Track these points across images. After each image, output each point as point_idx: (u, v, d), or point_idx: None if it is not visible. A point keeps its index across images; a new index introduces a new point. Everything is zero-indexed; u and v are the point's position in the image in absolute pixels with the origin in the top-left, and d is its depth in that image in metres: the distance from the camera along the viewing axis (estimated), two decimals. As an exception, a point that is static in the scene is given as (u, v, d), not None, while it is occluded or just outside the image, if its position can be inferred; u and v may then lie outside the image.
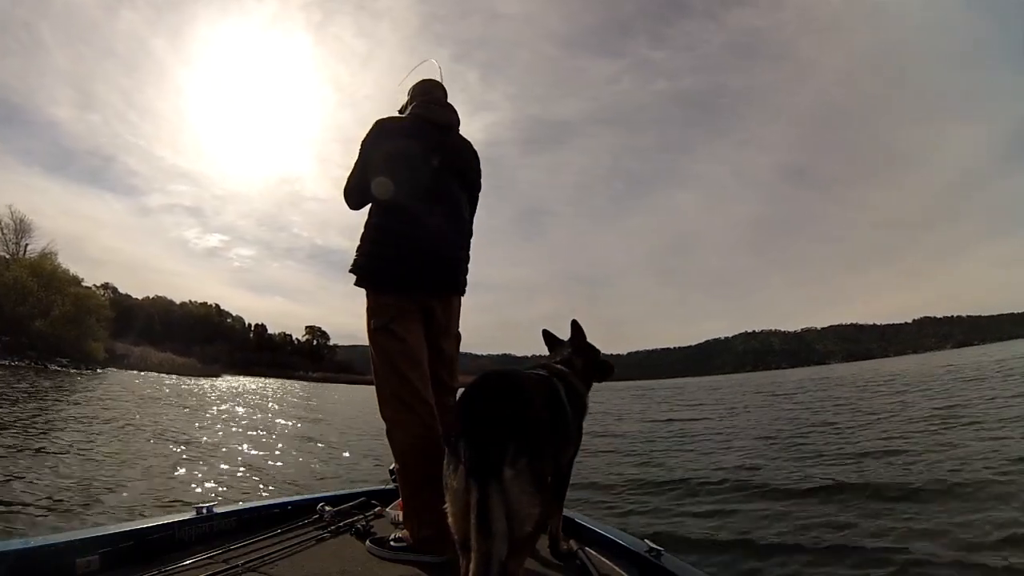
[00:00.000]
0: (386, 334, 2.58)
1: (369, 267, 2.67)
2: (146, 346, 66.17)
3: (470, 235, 2.97)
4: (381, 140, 2.73)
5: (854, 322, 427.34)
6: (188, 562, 2.15)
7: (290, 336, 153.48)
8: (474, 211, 3.02)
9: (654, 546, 2.41)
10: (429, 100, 2.91)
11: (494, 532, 1.49)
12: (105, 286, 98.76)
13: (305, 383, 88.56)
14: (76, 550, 2.07)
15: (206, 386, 40.51)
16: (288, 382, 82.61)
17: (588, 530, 2.80)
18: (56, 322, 43.87)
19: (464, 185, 2.90)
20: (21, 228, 50.88)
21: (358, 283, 2.68)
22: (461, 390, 2.40)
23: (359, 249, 2.71)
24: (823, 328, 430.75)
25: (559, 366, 2.40)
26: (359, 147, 2.77)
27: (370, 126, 2.77)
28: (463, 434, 1.67)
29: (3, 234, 49.73)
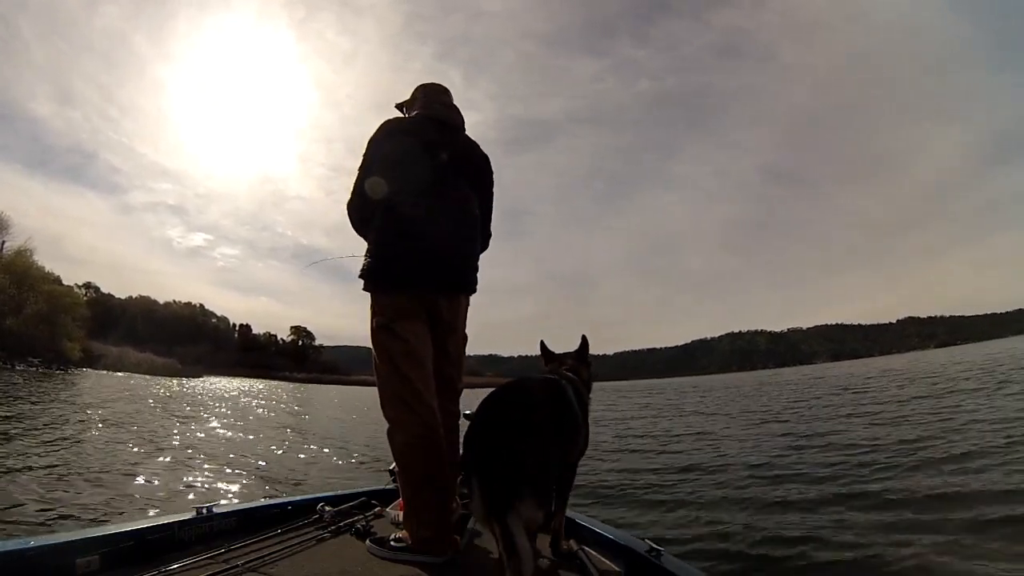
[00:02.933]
0: (388, 333, 2.55)
1: (374, 268, 2.61)
2: (126, 346, 65.35)
3: (483, 235, 2.95)
4: (384, 141, 2.69)
5: (839, 322, 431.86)
6: (188, 562, 2.14)
7: (275, 336, 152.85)
8: (489, 211, 2.99)
9: (654, 546, 2.41)
10: (435, 100, 2.90)
11: (520, 551, 1.69)
12: (87, 285, 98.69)
13: (290, 384, 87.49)
14: (76, 550, 2.07)
15: (175, 386, 39.56)
16: (272, 383, 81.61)
17: (588, 530, 2.79)
18: (28, 321, 42.92)
19: (473, 184, 2.85)
20: (-2, 224, 49.52)
21: (366, 287, 2.64)
22: (467, 412, 2.73)
23: (367, 253, 2.66)
24: (808, 328, 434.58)
25: (569, 373, 2.49)
26: (363, 152, 2.72)
27: (375, 129, 2.74)
28: (474, 473, 1.83)
29: (-21, 231, 48.19)
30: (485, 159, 2.95)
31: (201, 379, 64.47)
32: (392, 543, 2.45)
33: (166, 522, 2.45)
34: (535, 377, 2.33)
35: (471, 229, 2.83)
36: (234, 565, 2.12)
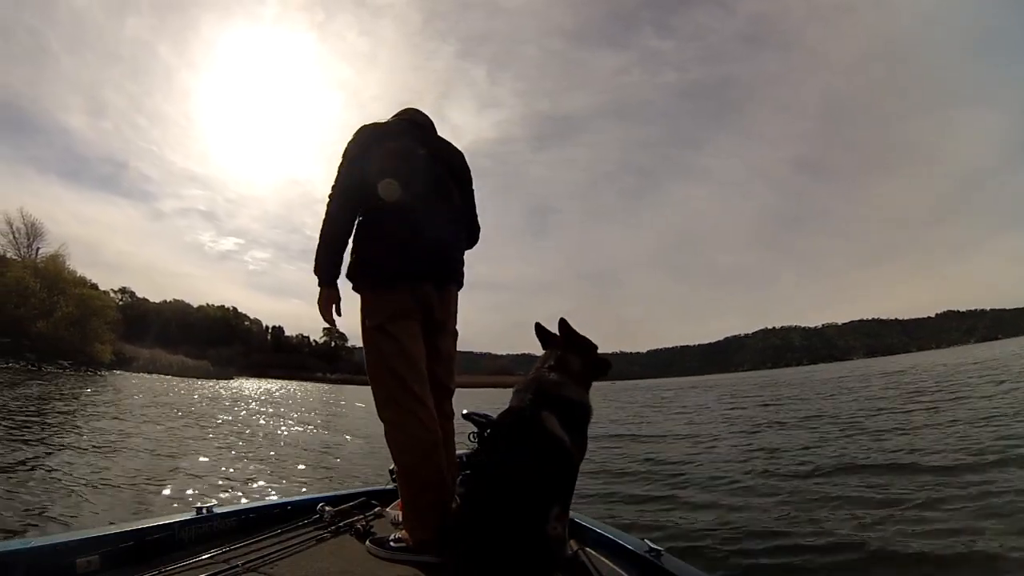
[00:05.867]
0: (381, 333, 2.53)
1: (363, 266, 2.61)
2: (159, 349, 66.24)
3: (470, 230, 2.98)
4: (370, 143, 2.68)
5: (876, 317, 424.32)
6: (188, 562, 2.15)
7: (307, 338, 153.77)
8: (473, 206, 3.00)
9: (654, 546, 2.38)
10: (409, 110, 2.94)
11: None
12: (123, 290, 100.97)
13: (322, 385, 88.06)
14: (76, 550, 2.08)
15: (203, 387, 40.01)
16: (304, 384, 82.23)
17: (588, 530, 2.74)
18: (58, 323, 43.36)
19: (453, 178, 2.87)
20: (32, 231, 50.79)
21: (355, 288, 2.64)
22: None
23: (353, 251, 2.66)
24: (844, 323, 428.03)
25: (553, 375, 2.23)
26: (342, 156, 2.69)
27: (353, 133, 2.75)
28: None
29: (14, 237, 49.41)
30: (461, 154, 2.97)
31: (233, 380, 65.42)
32: (391, 543, 2.45)
33: (166, 522, 2.45)
34: (506, 434, 2.16)
35: (455, 222, 2.84)
36: (234, 565, 2.11)
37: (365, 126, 2.76)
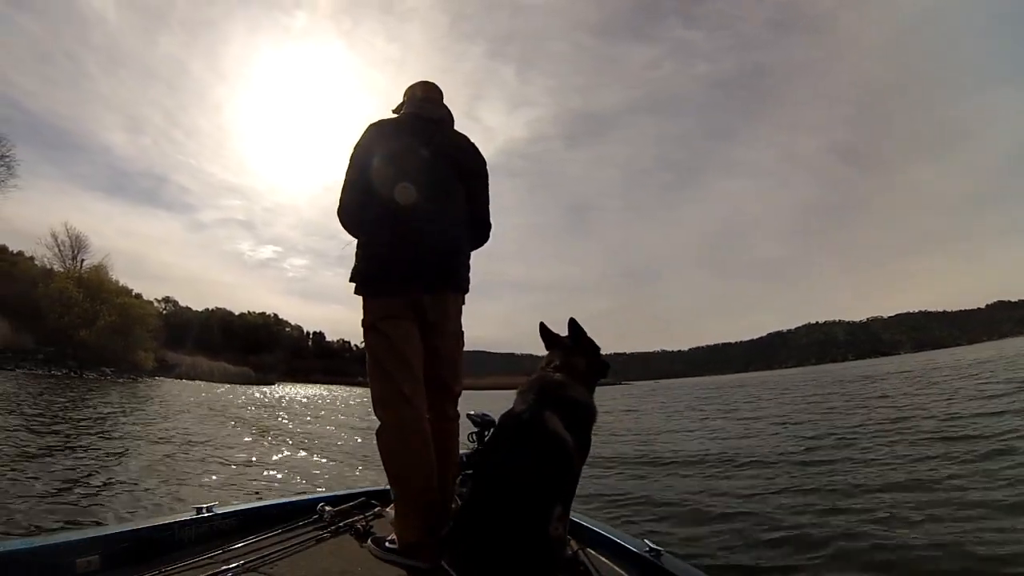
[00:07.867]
0: (373, 333, 2.54)
1: (362, 272, 2.60)
2: (200, 355, 67.39)
3: (480, 226, 2.89)
4: (373, 144, 2.68)
5: (923, 309, 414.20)
6: (188, 562, 2.16)
7: (348, 342, 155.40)
8: (485, 201, 2.91)
9: (654, 546, 2.39)
10: (418, 98, 2.88)
11: None
12: (166, 299, 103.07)
13: (363, 389, 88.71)
14: (76, 550, 2.09)
15: (242, 393, 40.51)
16: (345, 388, 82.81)
17: (588, 530, 2.75)
18: (100, 332, 44.15)
19: (461, 176, 2.78)
20: (77, 244, 52.14)
21: (356, 291, 2.62)
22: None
23: (356, 255, 2.65)
24: (889, 317, 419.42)
25: (557, 375, 2.23)
26: (348, 161, 2.69)
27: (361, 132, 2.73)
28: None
29: (59, 250, 50.70)
30: (471, 150, 2.86)
31: (274, 386, 66.28)
32: (387, 544, 2.43)
33: (166, 522, 2.45)
34: (508, 434, 2.09)
35: (457, 225, 2.74)
36: (234, 565, 2.12)
37: (369, 126, 2.73)
